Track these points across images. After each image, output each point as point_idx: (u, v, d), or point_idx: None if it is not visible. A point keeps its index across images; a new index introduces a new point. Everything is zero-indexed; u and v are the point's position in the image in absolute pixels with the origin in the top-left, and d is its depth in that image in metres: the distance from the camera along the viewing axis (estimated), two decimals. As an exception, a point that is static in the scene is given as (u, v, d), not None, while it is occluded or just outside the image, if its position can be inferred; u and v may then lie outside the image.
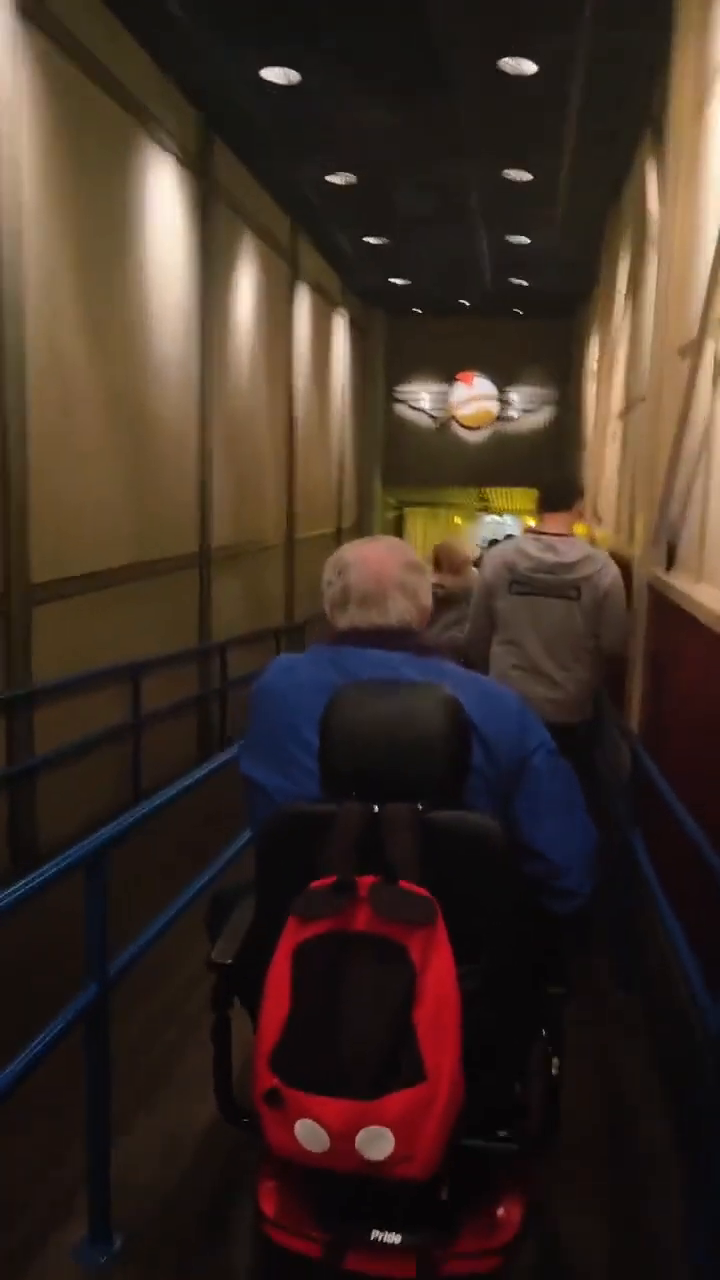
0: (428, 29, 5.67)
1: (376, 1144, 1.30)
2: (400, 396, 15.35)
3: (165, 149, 6.39)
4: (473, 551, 6.80)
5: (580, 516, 4.11)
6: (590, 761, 4.21)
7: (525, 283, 12.29)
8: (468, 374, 15.15)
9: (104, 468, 5.77)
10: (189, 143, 6.83)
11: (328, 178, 8.37)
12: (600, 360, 9.47)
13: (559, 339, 14.52)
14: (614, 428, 8.29)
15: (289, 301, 9.79)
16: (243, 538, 8.45)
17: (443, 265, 11.66)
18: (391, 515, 18.71)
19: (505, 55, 5.99)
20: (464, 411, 15.21)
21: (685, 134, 4.53)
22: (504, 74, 6.20)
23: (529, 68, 6.14)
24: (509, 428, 15.22)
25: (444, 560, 5.50)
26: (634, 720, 4.85)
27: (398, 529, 19.47)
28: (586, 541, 4.25)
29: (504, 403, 15.14)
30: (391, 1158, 1.30)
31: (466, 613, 4.19)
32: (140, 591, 6.29)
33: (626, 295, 7.58)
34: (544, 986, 1.57)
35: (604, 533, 8.40)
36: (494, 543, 8.68)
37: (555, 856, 1.63)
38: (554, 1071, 1.54)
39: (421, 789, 1.45)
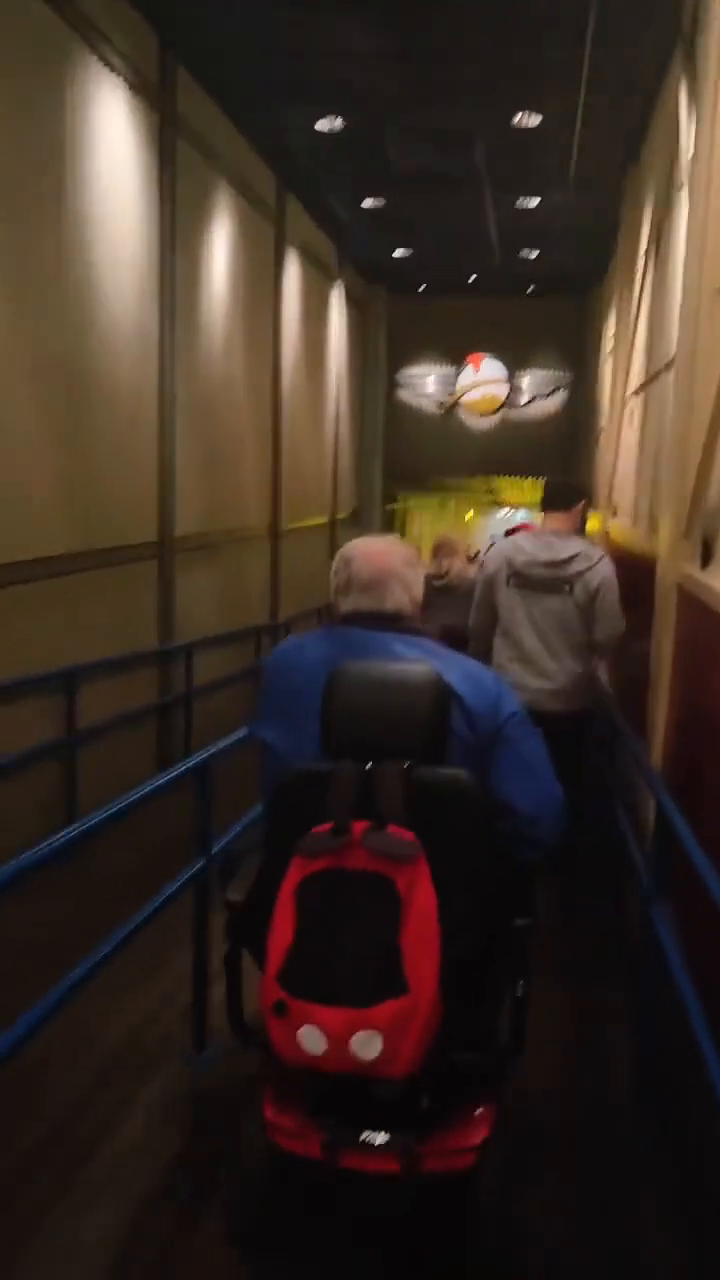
0: None
1: (368, 1045, 1.52)
2: (403, 381, 14.45)
3: (114, 71, 5.51)
4: (470, 546, 7.00)
5: (581, 517, 4.18)
6: (583, 751, 4.28)
7: (535, 254, 11.35)
8: (476, 356, 14.24)
9: (30, 440, 4.90)
10: (145, 67, 5.94)
11: (315, 126, 7.47)
12: (618, 334, 8.55)
13: (572, 319, 13.58)
14: (632, 407, 7.38)
15: (275, 267, 8.90)
16: (215, 526, 7.58)
17: (447, 235, 10.74)
18: (394, 508, 17.80)
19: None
20: (471, 396, 14.30)
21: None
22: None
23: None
24: (519, 414, 14.30)
25: (443, 551, 5.83)
26: (655, 753, 3.97)
27: (400, 524, 18.59)
28: (587, 539, 4.30)
29: (514, 387, 14.22)
30: (380, 1058, 1.52)
31: (460, 601, 4.47)
32: (82, 585, 5.44)
33: (648, 253, 6.67)
34: (512, 918, 1.75)
35: (619, 525, 7.49)
36: (509, 531, 8.85)
37: (527, 809, 1.87)
38: (519, 993, 1.74)
39: (408, 750, 1.68)
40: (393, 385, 14.43)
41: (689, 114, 4.92)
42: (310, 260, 10.22)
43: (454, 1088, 1.72)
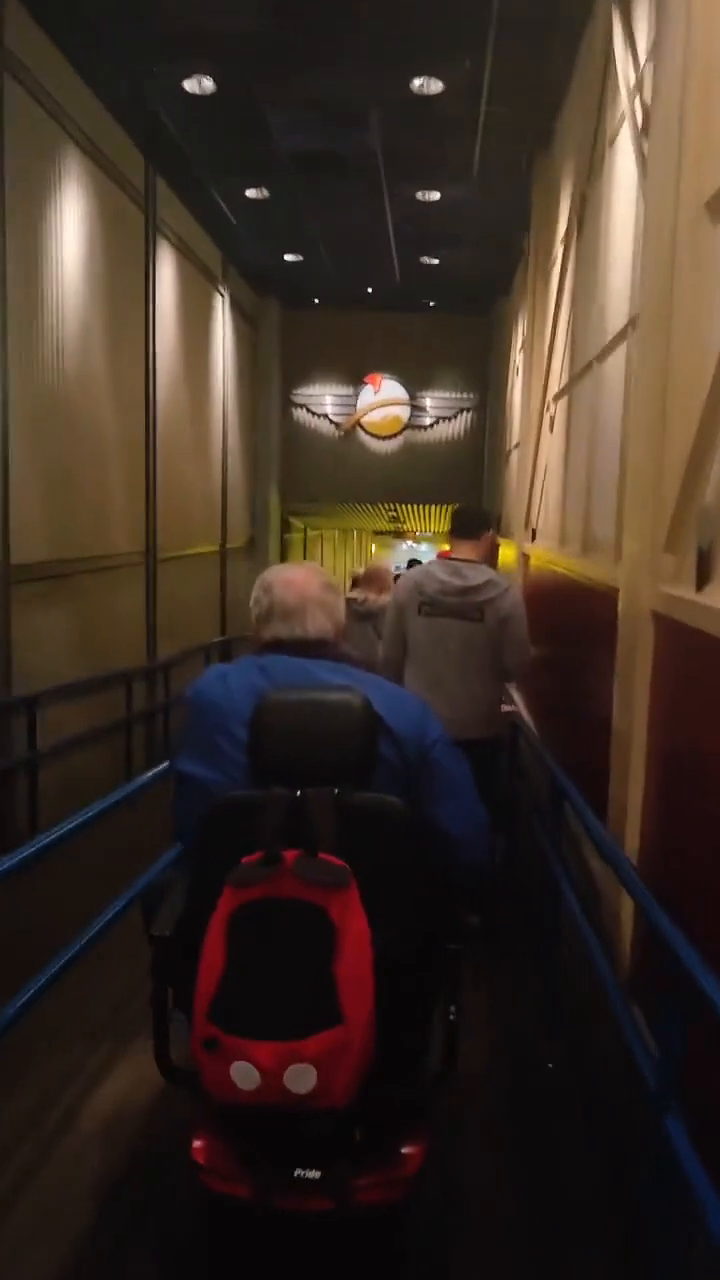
0: None
1: (301, 1079, 1.47)
2: (299, 400, 13.44)
3: None
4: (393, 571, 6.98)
5: (489, 545, 4.11)
6: (497, 777, 4.34)
7: (437, 260, 10.52)
8: (375, 376, 13.34)
9: None
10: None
11: (183, 85, 6.41)
12: (532, 338, 7.70)
13: (477, 337, 12.83)
14: (554, 413, 6.48)
15: (144, 258, 7.78)
16: (69, 553, 6.34)
17: (341, 236, 9.80)
18: (293, 537, 16.74)
19: None
20: (372, 418, 13.38)
21: None
22: None
23: None
24: (422, 437, 13.44)
25: (371, 579, 6.30)
26: (629, 839, 2.94)
27: (302, 554, 17.52)
28: (491, 567, 4.16)
29: (416, 409, 13.36)
30: (314, 1091, 1.48)
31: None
32: None
33: (569, 235, 5.80)
34: (444, 942, 1.74)
35: (542, 550, 6.56)
36: (413, 563, 9.14)
37: (455, 832, 1.87)
38: (452, 1018, 1.73)
39: (337, 776, 1.67)
40: (288, 405, 13.41)
41: (625, 39, 4.03)
42: (190, 260, 9.13)
43: (387, 1117, 1.71)
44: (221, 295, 10.56)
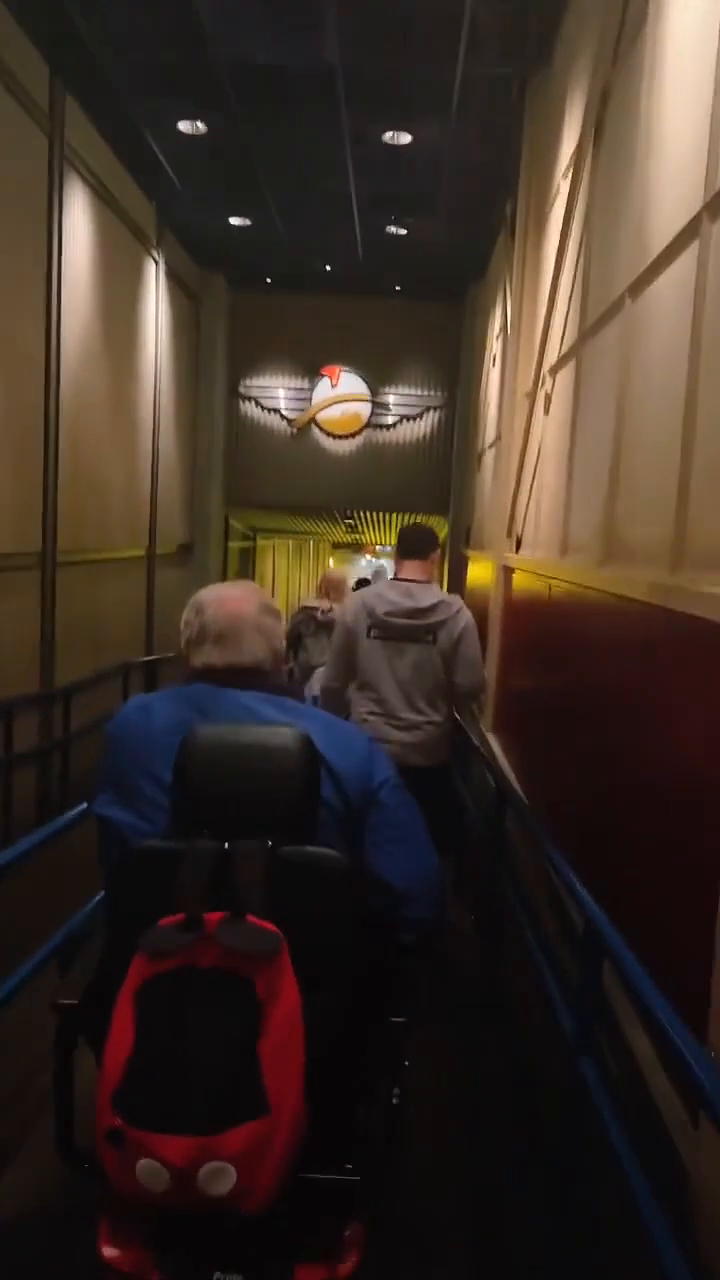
0: None
1: (218, 1180, 1.30)
2: (248, 391, 12.01)
3: None
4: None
5: (435, 565, 3.88)
6: (449, 800, 4.26)
7: (404, 231, 9.17)
8: (333, 369, 11.97)
9: None
10: None
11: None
12: (519, 311, 6.36)
13: (447, 328, 11.50)
14: (550, 389, 5.13)
15: (47, 189, 6.31)
16: None
17: (295, 192, 8.42)
18: (240, 546, 15.27)
19: None
20: (329, 414, 11.99)
21: None
22: None
23: None
24: (384, 437, 12.07)
25: (330, 588, 6.44)
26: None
27: (248, 566, 16.05)
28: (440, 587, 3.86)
29: (378, 406, 12.00)
30: (233, 1192, 1.30)
31: None
32: None
33: (578, 155, 4.46)
34: (387, 1016, 1.61)
35: (530, 563, 5.19)
36: (361, 583, 8.55)
37: (402, 885, 1.69)
38: (395, 1101, 1.57)
39: (272, 825, 1.48)
40: (235, 397, 11.97)
41: None
42: (112, 209, 7.68)
43: (320, 1208, 1.53)
44: (155, 261, 9.10)
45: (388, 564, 25.00)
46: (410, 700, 3.69)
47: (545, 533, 4.94)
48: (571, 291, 4.67)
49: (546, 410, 5.19)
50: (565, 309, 4.84)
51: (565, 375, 4.73)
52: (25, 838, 2.94)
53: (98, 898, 2.71)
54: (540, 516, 5.17)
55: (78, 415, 7.01)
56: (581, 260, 4.47)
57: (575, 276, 4.58)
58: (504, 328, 8.17)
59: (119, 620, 8.42)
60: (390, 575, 4.01)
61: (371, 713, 3.70)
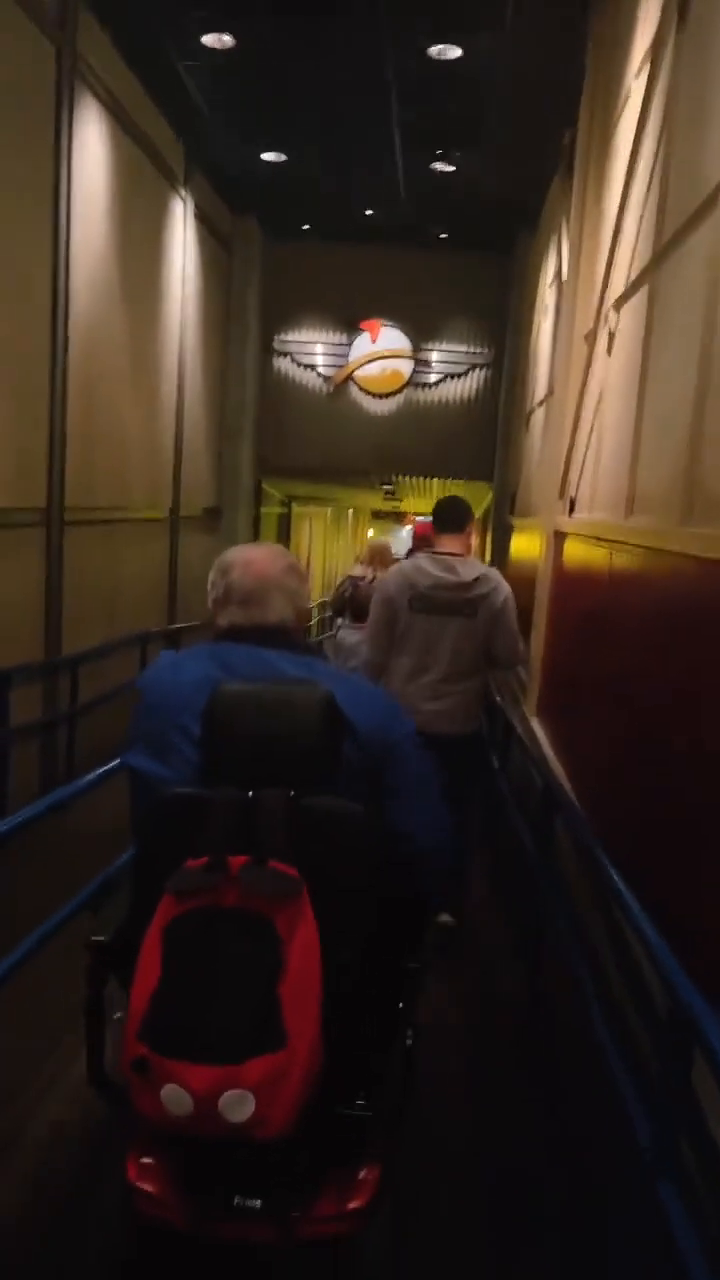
0: None
1: (238, 1107, 1.35)
2: (282, 346, 11.37)
3: None
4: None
5: (470, 537, 3.92)
6: (477, 772, 4.26)
7: (452, 168, 8.43)
8: (373, 323, 11.28)
9: None
10: None
11: None
12: (578, 244, 5.65)
13: (495, 280, 10.74)
14: (614, 328, 4.45)
15: (56, 107, 5.70)
16: None
17: (332, 124, 7.72)
18: (275, 512, 14.68)
19: None
20: (367, 371, 11.32)
21: None
22: None
23: None
24: (426, 396, 11.37)
25: (376, 557, 6.41)
26: None
27: (282, 533, 15.47)
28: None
29: (420, 363, 11.30)
30: (251, 1120, 1.35)
31: None
32: None
33: (655, 47, 3.75)
34: (402, 960, 1.68)
35: (587, 526, 4.54)
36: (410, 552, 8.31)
37: (420, 836, 1.74)
38: (409, 1041, 1.63)
39: (294, 777, 1.54)
40: (269, 352, 11.33)
41: None
42: (134, 137, 7.05)
43: (337, 1144, 1.58)
44: (183, 200, 8.47)
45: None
46: (450, 673, 3.73)
47: (605, 491, 4.28)
48: (643, 210, 3.98)
49: (609, 350, 4.51)
50: (635, 232, 4.15)
51: (633, 307, 4.05)
52: (60, 789, 2.95)
53: (128, 854, 2.69)
54: (599, 473, 4.51)
55: (90, 358, 6.43)
56: (658, 169, 3.77)
57: (649, 190, 3.89)
58: (558, 273, 7.45)
59: (137, 587, 7.88)
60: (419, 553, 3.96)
61: (409, 683, 3.72)
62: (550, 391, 6.74)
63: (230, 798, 1.50)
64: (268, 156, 8.52)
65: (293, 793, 1.51)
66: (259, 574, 1.82)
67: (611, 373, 4.46)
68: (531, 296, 9.43)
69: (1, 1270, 2.22)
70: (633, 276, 4.09)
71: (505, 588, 3.75)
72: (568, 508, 5.32)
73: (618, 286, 4.40)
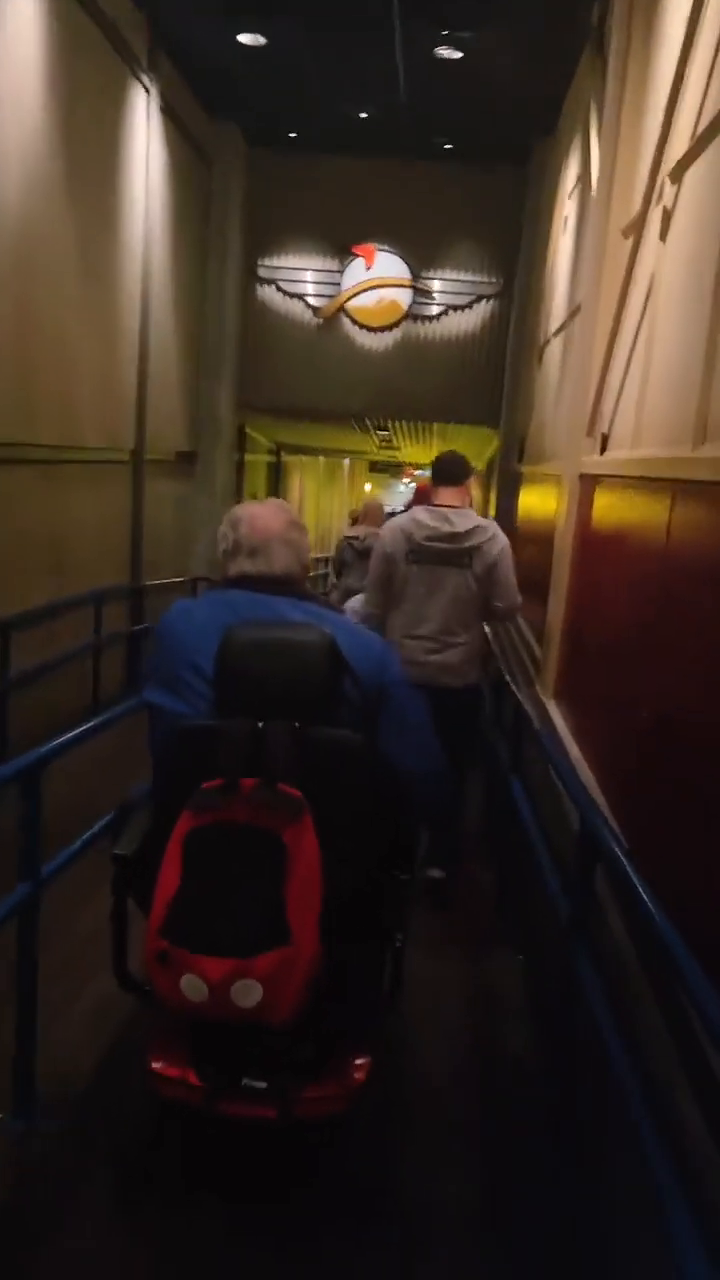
0: None
1: (247, 994, 1.55)
2: (267, 273, 10.22)
3: None
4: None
5: (469, 491, 4.00)
6: (478, 723, 4.39)
7: (460, 54, 7.25)
8: (367, 248, 10.13)
9: None
10: None
11: None
12: (613, 134, 4.57)
13: (506, 197, 9.57)
14: (672, 204, 3.39)
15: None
16: None
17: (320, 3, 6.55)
18: (263, 460, 13.60)
19: None
20: (362, 302, 10.19)
21: None
22: None
23: None
24: (426, 330, 10.25)
25: (368, 515, 6.66)
26: None
27: (271, 484, 14.40)
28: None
29: (420, 293, 10.16)
30: (259, 1006, 1.56)
31: None
32: None
33: None
34: (394, 873, 1.88)
35: (635, 460, 3.53)
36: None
37: (414, 767, 1.95)
38: (399, 944, 1.88)
39: (299, 710, 1.73)
40: (251, 279, 10.19)
41: None
42: (80, 0, 5.89)
43: (333, 1035, 1.82)
44: (146, 89, 7.30)
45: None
46: (447, 624, 3.79)
47: (659, 418, 3.26)
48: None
49: (664, 235, 3.46)
50: (706, 76, 3.09)
51: (706, 167, 3.00)
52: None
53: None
54: (648, 398, 3.48)
55: (24, 264, 5.35)
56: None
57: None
58: (582, 176, 6.34)
59: (90, 538, 6.85)
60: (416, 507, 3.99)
61: (408, 636, 3.77)
62: (575, 311, 5.67)
63: (242, 727, 1.68)
64: (245, 39, 7.32)
65: (298, 724, 1.69)
66: (264, 528, 2.00)
67: (668, 264, 3.41)
68: (548, 216, 8.29)
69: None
70: (702, 128, 3.04)
71: (502, 538, 3.83)
72: (599, 446, 4.30)
73: (678, 149, 3.34)
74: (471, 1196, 2.28)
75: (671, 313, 3.31)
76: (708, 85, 3.06)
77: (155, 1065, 1.77)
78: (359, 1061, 1.80)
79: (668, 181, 3.44)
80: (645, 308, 3.71)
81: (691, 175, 3.17)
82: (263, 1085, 1.69)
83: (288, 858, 1.57)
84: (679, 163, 3.30)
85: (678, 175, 3.33)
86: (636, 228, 3.88)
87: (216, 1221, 2.00)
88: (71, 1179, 2.22)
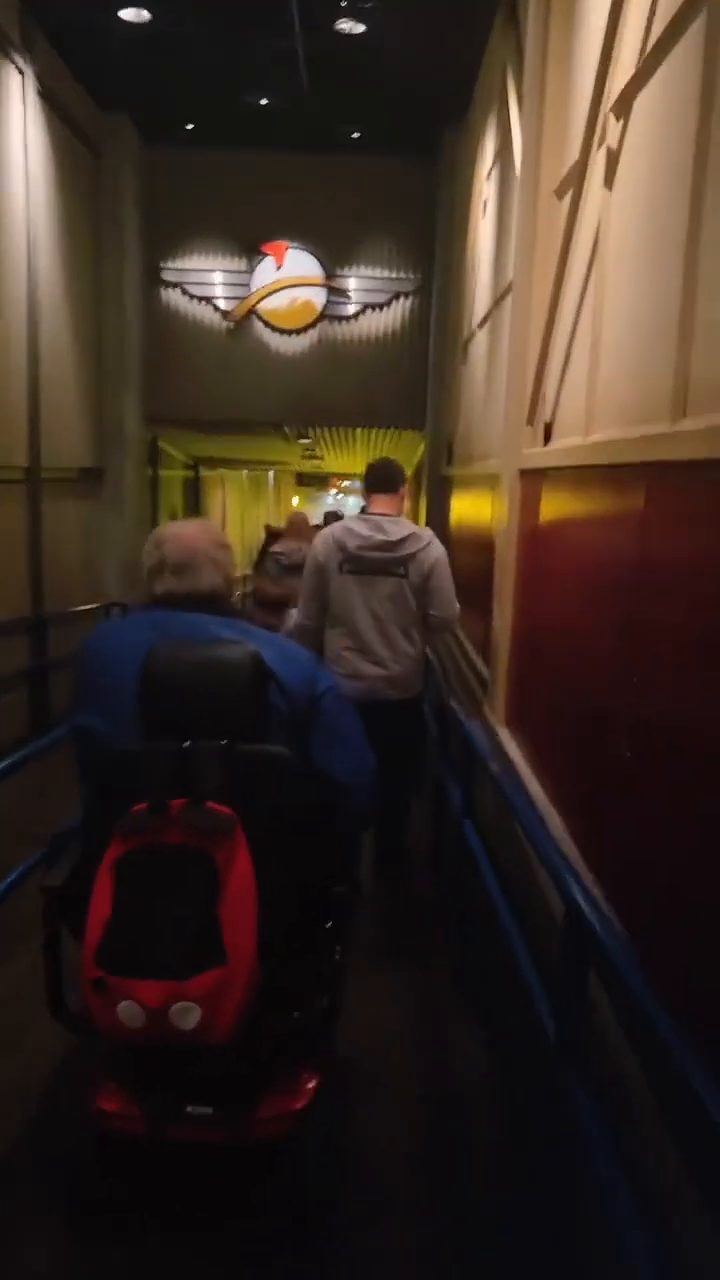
0: None
1: (186, 1016, 1.54)
2: (171, 276, 9.56)
3: None
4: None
5: (404, 499, 3.91)
6: (420, 735, 4.30)
7: (363, 27, 6.72)
8: (278, 244, 9.55)
9: None
10: None
11: None
12: (538, 90, 4.07)
13: (420, 187, 9.08)
14: (611, 144, 2.87)
15: None
16: None
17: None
18: (180, 475, 12.91)
19: None
20: (274, 303, 9.59)
21: None
22: None
23: None
24: (343, 331, 9.70)
25: (295, 529, 6.70)
26: None
27: (192, 500, 13.70)
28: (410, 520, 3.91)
29: (335, 292, 9.61)
30: (198, 1027, 1.55)
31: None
32: None
33: None
34: (331, 887, 1.85)
35: (575, 451, 2.99)
36: (331, 516, 8.22)
37: (344, 778, 1.94)
38: (338, 958, 1.84)
39: (227, 728, 1.71)
40: (155, 282, 9.52)
41: None
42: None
43: (277, 1053, 1.81)
44: (20, 72, 6.62)
45: (355, 502, 22.59)
46: (385, 635, 3.72)
47: (619, 396, 2.72)
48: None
49: (610, 180, 2.94)
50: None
51: (658, 89, 2.48)
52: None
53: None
54: (602, 375, 2.94)
55: None
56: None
57: None
58: (500, 152, 5.86)
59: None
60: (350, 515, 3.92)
61: (346, 649, 3.73)
62: (504, 293, 5.16)
63: (166, 749, 1.66)
64: (127, 15, 6.69)
65: (225, 742, 1.66)
66: (189, 546, 2.00)
67: (616, 215, 2.89)
68: (465, 205, 7.81)
69: None
70: (652, 42, 2.52)
71: (438, 546, 3.75)
72: (541, 436, 3.76)
73: (622, 78, 2.82)
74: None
75: (624, 272, 2.78)
76: (652, 10, 2.55)
77: (97, 1100, 1.76)
78: (305, 1078, 1.81)
79: (611, 118, 2.92)
80: (589, 273, 3.19)
81: (642, 101, 2.65)
82: (208, 1111, 1.69)
83: (220, 877, 1.57)
84: (624, 92, 2.79)
85: (623, 107, 2.82)
86: (575, 179, 3.35)
87: (170, 1248, 2.00)
88: (15, 1213, 2.19)
